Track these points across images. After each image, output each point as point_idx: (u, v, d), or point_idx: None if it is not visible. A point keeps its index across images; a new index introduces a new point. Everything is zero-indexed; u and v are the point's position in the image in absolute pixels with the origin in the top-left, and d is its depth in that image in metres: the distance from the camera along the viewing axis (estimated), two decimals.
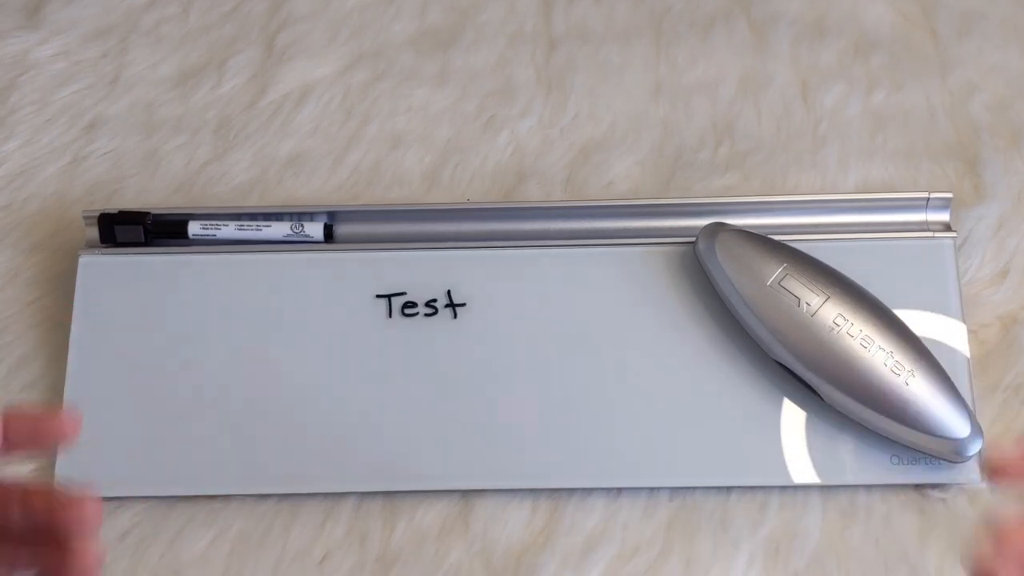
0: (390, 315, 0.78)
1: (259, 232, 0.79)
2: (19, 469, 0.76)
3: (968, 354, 0.76)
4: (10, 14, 0.95)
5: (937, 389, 0.71)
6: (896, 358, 0.71)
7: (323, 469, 0.74)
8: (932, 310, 0.76)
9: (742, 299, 0.74)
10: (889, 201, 0.80)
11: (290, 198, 0.86)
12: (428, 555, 0.73)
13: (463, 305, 0.78)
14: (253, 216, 0.80)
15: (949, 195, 0.79)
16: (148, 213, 0.80)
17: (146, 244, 0.80)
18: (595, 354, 0.76)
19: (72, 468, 0.74)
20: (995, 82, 0.89)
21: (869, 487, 0.74)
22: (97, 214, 0.80)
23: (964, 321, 0.76)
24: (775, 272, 0.74)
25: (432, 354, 0.77)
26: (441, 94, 0.90)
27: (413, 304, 0.78)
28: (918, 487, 0.74)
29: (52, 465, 0.75)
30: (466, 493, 0.75)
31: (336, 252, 0.79)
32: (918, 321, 0.75)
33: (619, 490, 0.75)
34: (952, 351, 0.75)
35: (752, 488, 0.74)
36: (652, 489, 0.75)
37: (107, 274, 0.79)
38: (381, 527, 0.74)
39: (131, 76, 0.92)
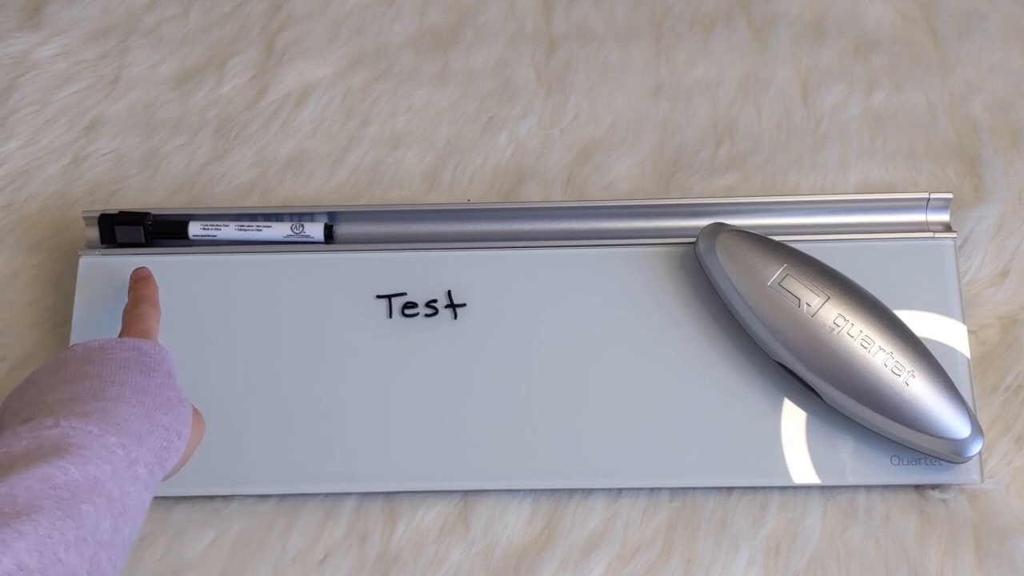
0: (390, 315, 0.78)
1: (259, 233, 0.79)
2: None
3: (968, 354, 0.76)
4: (10, 14, 0.95)
5: (937, 389, 0.71)
6: (896, 359, 0.71)
7: (323, 469, 0.74)
8: (932, 310, 0.76)
9: (742, 299, 0.74)
10: (889, 201, 0.80)
11: (290, 198, 0.86)
12: (428, 556, 0.73)
13: (463, 305, 0.78)
14: (253, 217, 0.80)
15: (949, 196, 0.79)
16: (148, 214, 0.80)
17: (146, 245, 0.80)
18: (595, 354, 0.76)
19: None
20: (995, 82, 0.89)
21: (869, 487, 0.74)
22: (97, 214, 0.80)
23: (964, 321, 0.76)
24: (775, 272, 0.74)
25: (432, 354, 0.77)
26: (441, 94, 0.91)
27: (413, 304, 0.78)
28: (918, 487, 0.74)
29: None
30: (466, 493, 0.75)
31: (336, 252, 0.79)
32: (918, 322, 0.75)
33: (619, 490, 0.75)
34: (952, 351, 0.75)
35: (752, 488, 0.74)
36: (652, 489, 0.75)
37: (107, 275, 0.79)
38: (381, 527, 0.74)
39: (131, 76, 0.92)
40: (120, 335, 0.69)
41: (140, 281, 0.75)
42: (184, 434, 0.62)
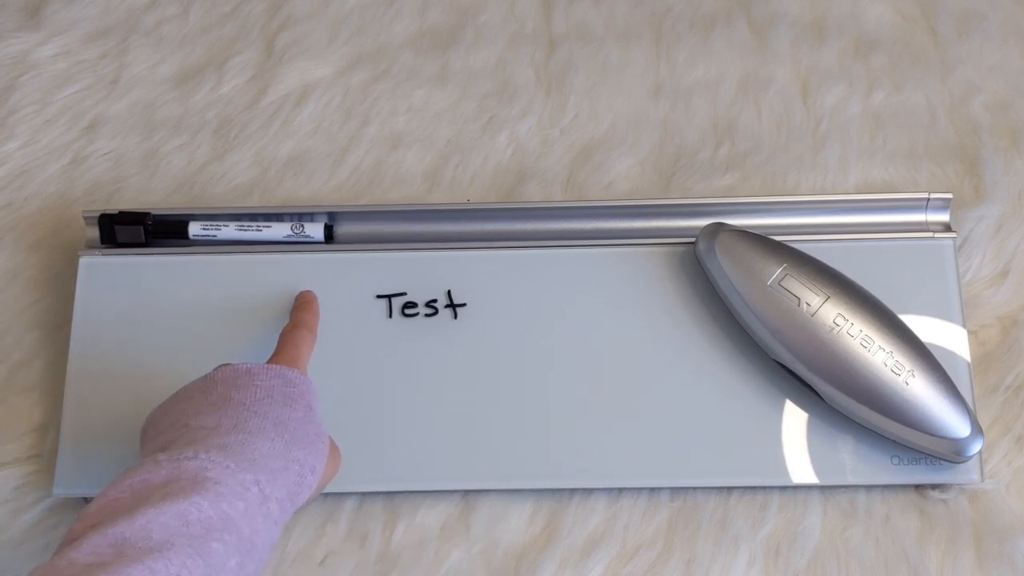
0: (390, 315, 0.78)
1: (259, 233, 0.79)
2: (20, 470, 0.76)
3: (968, 355, 0.76)
4: (10, 14, 0.95)
5: (937, 389, 0.71)
6: (896, 358, 0.71)
7: None
8: (932, 311, 0.76)
9: (742, 299, 0.74)
10: (889, 201, 0.80)
11: (290, 198, 0.86)
12: (429, 556, 0.73)
13: (463, 305, 0.78)
14: (253, 216, 0.80)
15: (949, 196, 0.79)
16: (148, 213, 0.80)
17: (146, 245, 0.80)
18: (595, 354, 0.76)
19: (71, 469, 0.74)
20: (995, 82, 0.89)
21: (869, 487, 0.74)
22: (97, 214, 0.80)
23: (964, 322, 0.76)
24: (775, 272, 0.74)
25: (432, 354, 0.77)
26: (441, 94, 0.90)
27: (413, 304, 0.78)
28: (918, 487, 0.74)
29: (52, 467, 0.75)
30: (467, 493, 0.75)
31: (336, 252, 0.79)
32: (918, 322, 0.75)
33: (620, 490, 0.75)
34: (952, 352, 0.75)
35: (752, 488, 0.74)
36: (653, 489, 0.75)
37: (107, 275, 0.79)
38: (382, 528, 0.74)
39: (131, 76, 0.92)
40: (273, 355, 0.69)
41: (304, 304, 0.76)
42: (318, 469, 0.63)
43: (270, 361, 0.68)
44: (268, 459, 0.59)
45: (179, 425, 0.61)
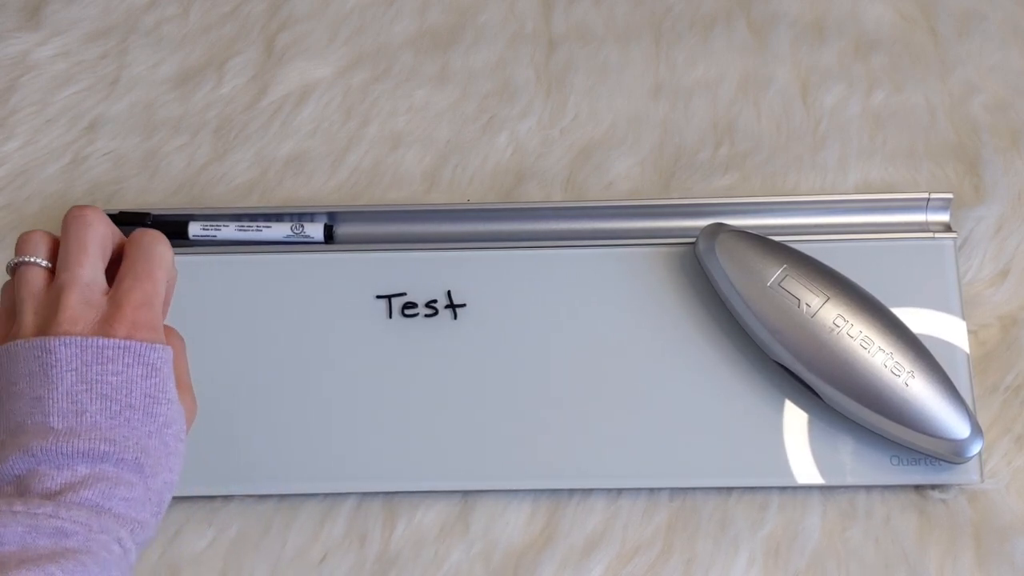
0: (390, 315, 0.78)
1: (259, 233, 0.79)
2: None
3: (968, 354, 0.76)
4: (10, 14, 0.95)
5: (937, 390, 0.71)
6: (896, 359, 0.71)
7: (323, 469, 0.74)
8: (932, 311, 0.76)
9: (742, 299, 0.74)
10: (889, 202, 0.80)
11: (290, 198, 0.86)
12: (428, 556, 0.73)
13: (463, 305, 0.78)
14: (253, 217, 0.80)
15: (949, 196, 0.79)
16: (148, 214, 0.80)
17: None
18: (595, 354, 0.76)
19: None
20: (995, 82, 0.89)
21: (869, 488, 0.74)
22: None
23: (964, 321, 0.76)
24: (775, 273, 0.74)
25: (432, 354, 0.77)
26: (441, 94, 0.90)
27: (413, 304, 0.78)
28: (918, 488, 0.74)
29: None
30: (466, 494, 0.75)
31: (336, 252, 0.79)
32: (918, 321, 0.75)
33: (619, 490, 0.75)
34: (952, 352, 0.75)
35: (752, 489, 0.74)
36: (652, 489, 0.75)
37: None
38: (380, 527, 0.74)
39: (131, 77, 0.92)
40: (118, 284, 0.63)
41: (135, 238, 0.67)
42: (172, 482, 0.60)
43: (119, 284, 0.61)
44: (131, 505, 0.57)
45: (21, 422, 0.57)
